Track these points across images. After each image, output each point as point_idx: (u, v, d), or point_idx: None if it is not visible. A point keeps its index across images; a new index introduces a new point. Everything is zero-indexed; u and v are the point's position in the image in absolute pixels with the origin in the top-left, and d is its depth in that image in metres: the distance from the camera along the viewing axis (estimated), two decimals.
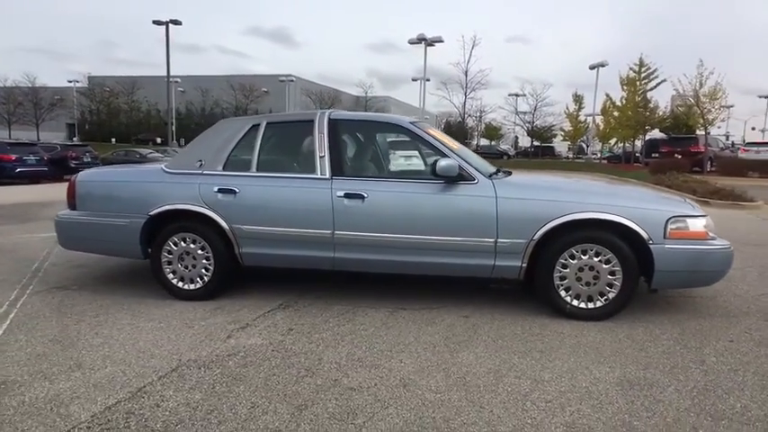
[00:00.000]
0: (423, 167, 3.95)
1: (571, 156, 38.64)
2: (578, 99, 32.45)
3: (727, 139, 36.94)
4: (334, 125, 3.60)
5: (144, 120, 54.59)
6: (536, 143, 41.78)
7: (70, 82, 54.99)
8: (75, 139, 45.27)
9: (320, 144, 3.54)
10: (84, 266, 4.74)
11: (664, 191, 4.06)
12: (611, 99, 25.50)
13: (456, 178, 3.29)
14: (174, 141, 34.61)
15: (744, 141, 35.73)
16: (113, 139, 44.58)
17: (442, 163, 3.23)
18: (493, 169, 3.69)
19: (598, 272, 3.21)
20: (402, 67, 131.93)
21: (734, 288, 3.94)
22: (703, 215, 3.20)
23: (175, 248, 3.68)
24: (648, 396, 2.29)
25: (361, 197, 3.36)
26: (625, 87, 23.48)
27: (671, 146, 20.72)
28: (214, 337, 3.03)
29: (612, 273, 3.19)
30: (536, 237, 3.19)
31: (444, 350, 2.82)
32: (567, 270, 3.24)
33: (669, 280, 3.21)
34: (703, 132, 20.04)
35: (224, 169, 3.65)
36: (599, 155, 38.43)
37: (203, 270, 3.67)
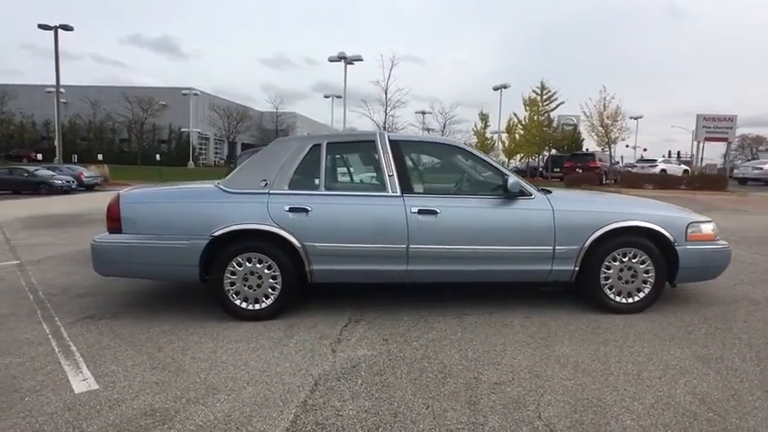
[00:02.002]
0: (472, 183, 4.23)
1: None
2: (484, 117, 35.13)
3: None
4: (396, 146, 3.85)
5: (16, 134, 48.69)
6: None
7: None
8: None
9: (387, 163, 3.76)
10: (91, 294, 4.45)
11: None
12: (517, 117, 28.11)
13: (517, 194, 3.72)
14: (57, 158, 31.03)
15: (614, 157, 40.57)
16: None
17: (511, 180, 3.65)
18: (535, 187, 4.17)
19: (635, 271, 3.80)
20: (298, 83, 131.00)
21: (710, 281, 4.75)
22: (710, 221, 3.94)
23: (239, 269, 3.66)
24: (727, 367, 2.86)
25: (434, 213, 3.65)
26: (527, 108, 26.03)
27: (573, 161, 23.36)
28: (318, 352, 3.12)
29: (647, 271, 3.80)
30: (587, 243, 3.71)
31: (539, 346, 3.20)
32: (611, 271, 3.79)
33: (688, 275, 3.89)
34: (597, 149, 22.91)
35: (289, 188, 3.72)
36: None
37: (269, 289, 3.69)
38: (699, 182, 17.89)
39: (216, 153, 53.05)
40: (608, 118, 20.90)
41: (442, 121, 33.42)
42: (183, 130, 46.01)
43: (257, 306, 3.70)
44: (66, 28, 28.84)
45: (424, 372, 2.81)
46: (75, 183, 22.59)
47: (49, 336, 3.42)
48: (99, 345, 3.24)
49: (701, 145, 24.69)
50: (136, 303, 4.16)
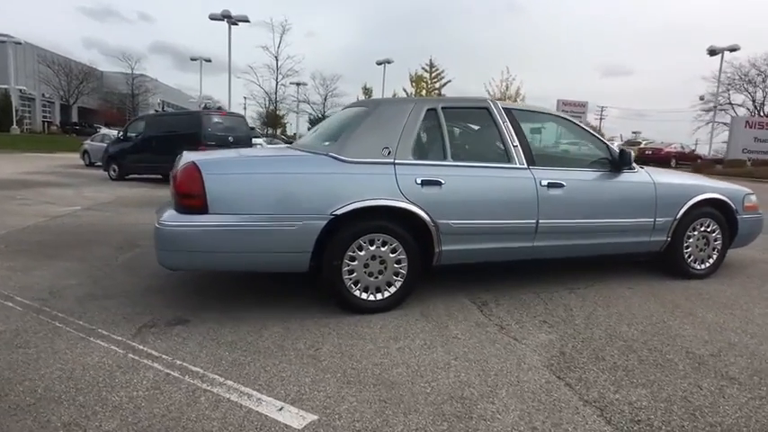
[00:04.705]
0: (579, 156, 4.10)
1: None
2: (368, 92, 35.03)
3: None
4: (510, 114, 3.58)
5: None
6: None
7: None
8: None
9: (509, 133, 3.49)
10: (99, 297, 3.39)
11: None
12: (406, 92, 28.55)
13: (626, 167, 3.75)
14: None
15: None
16: None
17: (629, 155, 3.65)
18: None
19: (708, 240, 4.12)
20: (131, 41, 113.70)
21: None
22: (753, 193, 4.42)
23: (361, 254, 3.10)
24: None
25: (561, 186, 3.50)
26: (414, 84, 26.68)
27: None
28: (501, 341, 2.82)
29: (716, 239, 4.14)
30: (679, 215, 3.91)
31: (684, 314, 3.29)
32: (691, 240, 4.06)
33: (740, 242, 4.34)
34: None
35: (414, 158, 3.23)
36: None
37: (393, 276, 3.20)
38: None
39: (44, 117, 44.40)
40: (509, 99, 22.52)
41: (324, 93, 32.60)
42: None
43: (379, 296, 3.19)
44: None
45: (634, 351, 2.70)
46: None
47: (130, 355, 2.53)
48: (225, 360, 2.49)
49: None
50: (188, 303, 3.29)
